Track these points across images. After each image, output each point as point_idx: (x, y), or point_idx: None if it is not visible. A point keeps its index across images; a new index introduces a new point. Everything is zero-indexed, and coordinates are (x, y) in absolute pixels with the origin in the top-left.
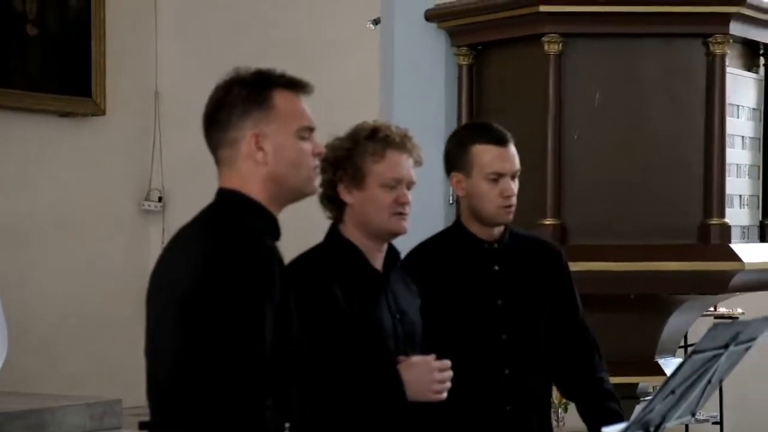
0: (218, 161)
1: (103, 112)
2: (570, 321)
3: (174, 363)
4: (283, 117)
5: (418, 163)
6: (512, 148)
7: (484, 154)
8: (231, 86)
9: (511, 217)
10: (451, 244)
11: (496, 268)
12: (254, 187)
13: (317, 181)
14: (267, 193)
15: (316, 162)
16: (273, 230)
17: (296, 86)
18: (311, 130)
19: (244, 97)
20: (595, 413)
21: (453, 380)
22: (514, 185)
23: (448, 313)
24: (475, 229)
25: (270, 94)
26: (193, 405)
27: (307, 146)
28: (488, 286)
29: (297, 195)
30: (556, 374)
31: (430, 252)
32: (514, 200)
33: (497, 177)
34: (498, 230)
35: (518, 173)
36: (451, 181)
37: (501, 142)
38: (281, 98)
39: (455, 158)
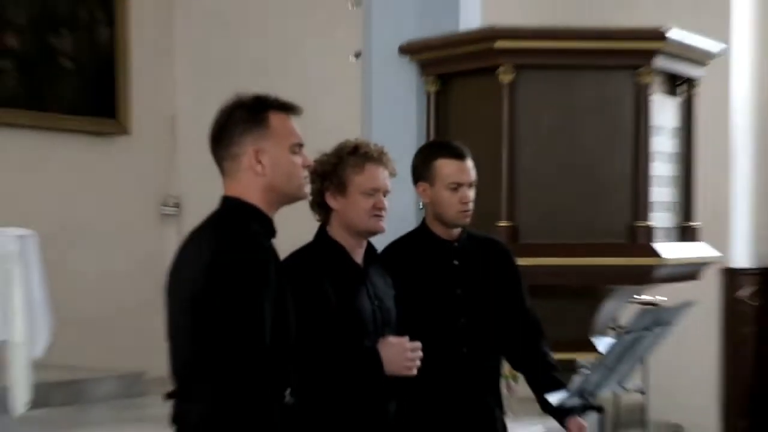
0: (223, 172)
1: (127, 132)
2: (518, 306)
3: (191, 346)
4: (278, 135)
5: (392, 174)
6: (469, 162)
7: (445, 167)
8: (233, 109)
9: (468, 220)
10: (418, 242)
11: (456, 262)
12: (254, 195)
13: (307, 188)
14: (264, 199)
15: (306, 172)
16: (269, 231)
17: (288, 108)
18: (301, 145)
19: (244, 119)
20: (540, 381)
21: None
22: (471, 193)
23: (416, 300)
24: (438, 230)
25: (266, 115)
26: (208, 379)
27: (298, 159)
28: (449, 278)
29: (290, 200)
30: (507, 351)
31: (400, 249)
32: (471, 206)
33: (457, 186)
34: (457, 231)
35: (474, 183)
36: (417, 189)
37: (460, 156)
38: (276, 119)
39: (421, 170)
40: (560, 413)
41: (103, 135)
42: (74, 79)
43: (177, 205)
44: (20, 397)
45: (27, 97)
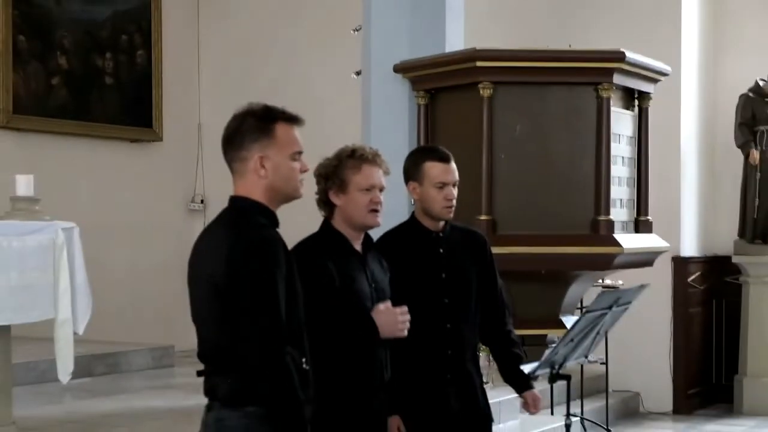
0: (231, 170)
1: (160, 139)
2: (490, 289)
3: (218, 328)
4: (282, 144)
5: (386, 173)
6: (453, 164)
7: (433, 168)
8: (245, 116)
9: (451, 215)
10: (409, 233)
11: (441, 250)
12: (257, 193)
13: (302, 189)
14: (266, 197)
15: (302, 176)
16: (274, 223)
17: (293, 120)
18: (300, 153)
19: (254, 127)
20: (504, 355)
21: (409, 332)
22: (454, 191)
23: (406, 283)
24: (426, 222)
25: (274, 125)
26: (235, 354)
27: (296, 165)
28: (435, 264)
29: (287, 199)
30: (480, 327)
31: (394, 238)
32: (454, 202)
33: (442, 185)
34: (441, 223)
35: (457, 183)
36: (408, 188)
37: (445, 159)
38: (281, 129)
39: (411, 172)
40: (518, 385)
41: (139, 141)
42: (115, 93)
43: (202, 202)
44: (65, 367)
45: (75, 110)
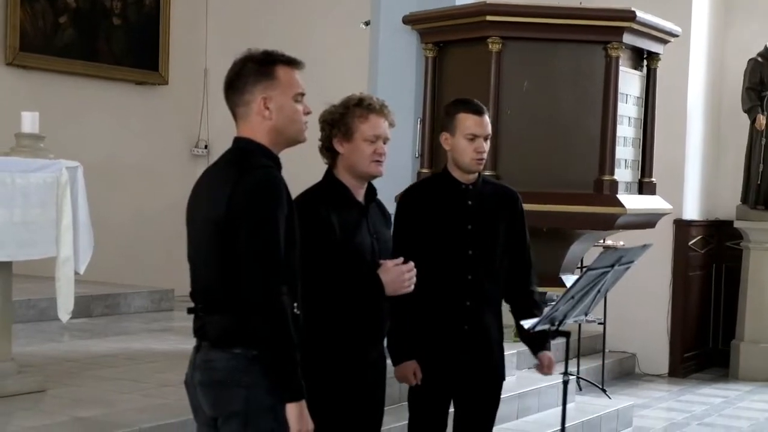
0: (235, 116)
1: (166, 83)
2: (518, 246)
3: (213, 265)
4: (284, 85)
5: (392, 125)
6: (486, 118)
7: (465, 120)
8: (246, 61)
9: (481, 167)
10: (439, 184)
11: (470, 203)
12: (261, 136)
13: (306, 133)
14: (270, 140)
15: (306, 118)
16: (277, 166)
17: (293, 63)
18: (303, 95)
19: (255, 70)
20: (522, 314)
21: (430, 281)
22: (486, 145)
23: (432, 232)
24: (457, 174)
25: (274, 68)
26: (231, 292)
27: (300, 107)
28: (462, 215)
29: (291, 142)
30: (503, 283)
31: (422, 189)
32: (484, 155)
33: (473, 137)
34: (473, 176)
35: (489, 136)
36: (441, 138)
37: (479, 112)
38: (282, 72)
39: (445, 122)
40: (534, 345)
41: (145, 84)
42: (122, 34)
43: (206, 147)
44: (65, 306)
45: (81, 49)
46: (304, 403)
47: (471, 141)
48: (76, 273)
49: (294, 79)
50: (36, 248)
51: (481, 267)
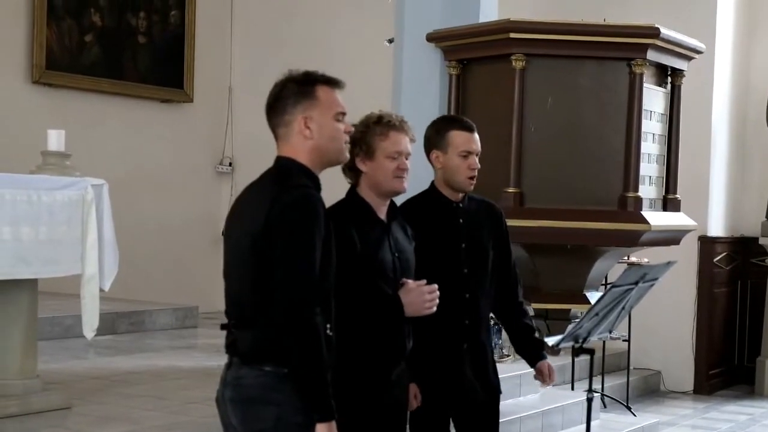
0: (276, 137)
1: (191, 100)
2: (504, 261)
3: (248, 280)
4: (324, 105)
5: (412, 140)
6: (476, 134)
7: (458, 137)
8: (286, 83)
9: (472, 187)
10: (429, 202)
11: (461, 221)
12: (302, 156)
13: (347, 153)
14: (311, 160)
15: (347, 137)
16: (316, 185)
17: (333, 83)
18: (344, 114)
19: (295, 91)
20: (515, 327)
21: None
22: (477, 161)
23: (426, 252)
24: (446, 192)
25: (314, 88)
26: (264, 308)
27: (341, 126)
28: (455, 234)
29: (333, 161)
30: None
31: (413, 207)
32: (476, 172)
33: (467, 154)
34: (461, 194)
35: (480, 153)
36: (430, 157)
37: (470, 129)
38: (322, 92)
39: (435, 140)
40: (531, 356)
41: (170, 102)
42: (148, 53)
43: (230, 165)
44: (90, 323)
45: (107, 67)
46: (334, 424)
47: (465, 158)
48: (101, 290)
49: (334, 99)
50: (61, 266)
51: (476, 285)
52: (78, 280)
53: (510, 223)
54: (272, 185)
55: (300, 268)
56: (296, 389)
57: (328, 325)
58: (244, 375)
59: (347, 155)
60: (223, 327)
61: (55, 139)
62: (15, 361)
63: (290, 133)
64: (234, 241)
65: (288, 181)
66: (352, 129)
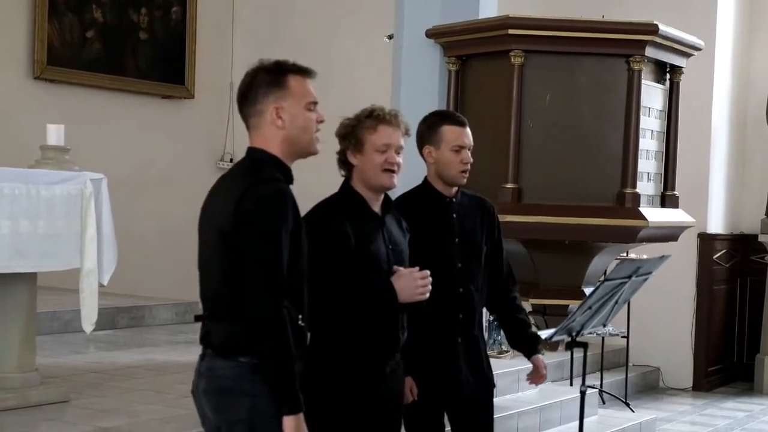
0: (248, 127)
1: (192, 96)
2: (497, 255)
3: (219, 273)
4: (296, 94)
5: (407, 134)
6: (468, 129)
7: (450, 132)
8: (257, 72)
9: (465, 181)
10: (423, 197)
11: (454, 216)
12: (274, 146)
13: (319, 144)
14: (283, 150)
15: (319, 127)
16: (288, 178)
17: (304, 72)
18: (315, 104)
19: (267, 81)
20: (509, 321)
21: None
22: (470, 155)
23: (421, 246)
24: (439, 186)
25: (286, 78)
26: (235, 300)
27: (313, 116)
28: (449, 229)
29: (304, 152)
30: (486, 293)
31: (408, 202)
32: (468, 167)
33: (459, 149)
34: (454, 189)
35: (472, 147)
36: (423, 152)
37: (462, 124)
38: (294, 81)
39: (427, 136)
40: (527, 349)
41: (171, 98)
42: (149, 49)
43: (231, 161)
44: (89, 318)
45: (108, 63)
46: (301, 416)
47: (457, 153)
48: (100, 285)
49: (306, 88)
50: (60, 260)
51: (469, 279)
52: (77, 274)
53: (508, 219)
54: (242, 178)
55: (266, 262)
56: (266, 381)
57: (300, 316)
58: (218, 366)
59: (318, 147)
60: (197, 318)
61: (55, 134)
62: (13, 355)
63: (262, 123)
64: (206, 233)
65: (259, 174)
66: (324, 119)
